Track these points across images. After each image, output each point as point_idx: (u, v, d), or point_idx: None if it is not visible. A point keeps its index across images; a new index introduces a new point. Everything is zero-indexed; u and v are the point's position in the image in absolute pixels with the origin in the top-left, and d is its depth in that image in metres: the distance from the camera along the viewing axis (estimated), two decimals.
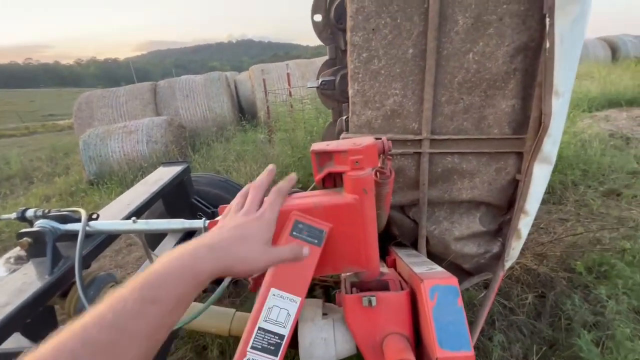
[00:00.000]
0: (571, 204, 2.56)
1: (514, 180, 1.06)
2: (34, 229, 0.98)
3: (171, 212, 1.64)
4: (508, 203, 1.12)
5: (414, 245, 1.23)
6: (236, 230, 0.49)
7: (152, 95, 7.21)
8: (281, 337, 0.67)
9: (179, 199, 1.63)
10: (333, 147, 0.77)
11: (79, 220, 1.03)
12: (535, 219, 1.03)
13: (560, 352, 1.38)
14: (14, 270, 0.98)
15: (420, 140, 1.05)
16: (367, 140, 0.74)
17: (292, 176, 0.62)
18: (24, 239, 0.97)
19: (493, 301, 1.18)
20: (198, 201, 1.69)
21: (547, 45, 0.84)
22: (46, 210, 1.05)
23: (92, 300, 0.97)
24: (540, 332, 1.49)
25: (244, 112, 7.92)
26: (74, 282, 0.95)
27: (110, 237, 1.14)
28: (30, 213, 1.05)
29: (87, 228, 1.01)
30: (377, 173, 0.81)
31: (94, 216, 1.09)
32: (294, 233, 0.73)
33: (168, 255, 0.41)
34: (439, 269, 0.87)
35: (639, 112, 5.16)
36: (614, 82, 6.78)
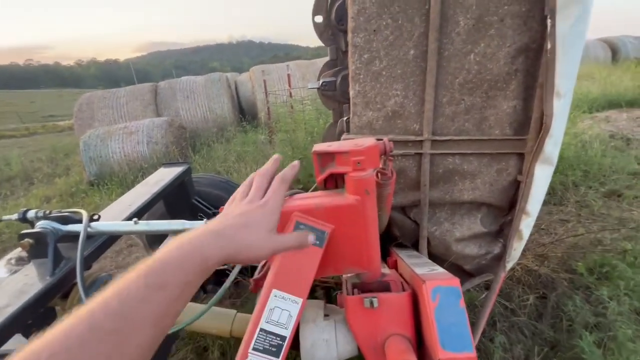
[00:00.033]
0: (572, 204, 2.56)
1: (515, 181, 1.06)
2: (35, 230, 0.98)
3: (172, 213, 1.64)
4: (509, 204, 1.12)
5: (415, 246, 1.23)
6: (241, 217, 0.49)
7: (152, 96, 7.22)
8: (283, 338, 0.67)
9: (179, 200, 1.63)
10: (335, 148, 0.77)
11: (80, 221, 1.03)
12: (536, 220, 1.03)
13: (561, 354, 1.37)
14: (15, 272, 0.98)
15: (421, 141, 1.05)
16: (368, 141, 0.74)
17: (295, 163, 0.62)
18: (25, 240, 0.97)
19: (494, 302, 1.18)
20: (199, 202, 1.69)
21: (549, 46, 0.84)
22: (47, 211, 1.05)
23: None
24: (542, 333, 1.48)
25: (245, 113, 7.93)
26: (75, 283, 0.95)
27: (111, 238, 1.14)
28: (31, 214, 1.05)
29: (89, 229, 1.01)
30: (379, 174, 0.81)
31: (95, 217, 1.09)
32: None
33: (173, 242, 0.40)
34: (440, 270, 0.87)
35: (639, 113, 5.16)
36: (614, 83, 6.79)
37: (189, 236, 0.42)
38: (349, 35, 1.03)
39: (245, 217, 0.49)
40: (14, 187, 5.63)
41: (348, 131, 1.18)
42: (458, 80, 0.99)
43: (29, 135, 14.79)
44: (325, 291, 1.37)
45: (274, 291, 0.69)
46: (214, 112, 7.12)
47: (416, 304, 0.80)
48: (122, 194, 1.47)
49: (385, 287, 0.85)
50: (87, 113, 6.98)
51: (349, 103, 1.15)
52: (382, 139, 0.78)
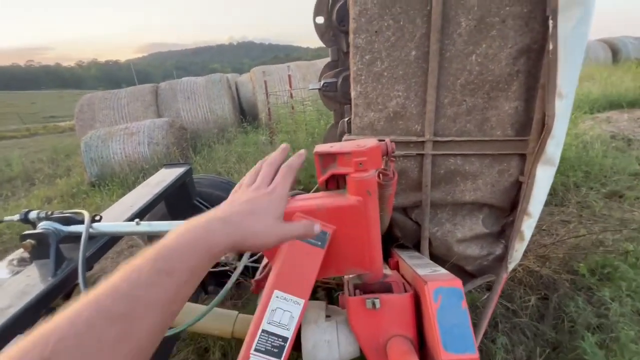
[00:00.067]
0: (573, 205, 2.56)
1: (517, 182, 1.06)
2: (37, 230, 0.98)
3: (173, 214, 1.64)
4: (511, 205, 1.12)
5: (417, 247, 1.23)
6: (248, 204, 0.48)
7: (153, 97, 7.23)
8: (285, 339, 0.67)
9: (181, 200, 1.63)
10: (336, 149, 0.77)
11: (82, 222, 1.03)
12: (537, 221, 1.03)
13: (564, 355, 1.37)
14: (17, 273, 0.98)
15: (423, 142, 1.05)
16: (370, 142, 0.74)
17: (302, 152, 0.62)
18: (28, 240, 0.97)
19: (496, 303, 1.17)
20: (200, 203, 1.69)
21: (551, 47, 0.84)
22: (49, 212, 1.05)
23: None
24: (544, 334, 1.48)
25: (245, 113, 7.94)
26: (77, 284, 0.95)
27: (113, 239, 1.14)
28: (33, 215, 1.05)
29: (90, 230, 1.01)
30: (380, 175, 0.81)
31: (97, 218, 1.09)
32: None
33: (180, 229, 0.40)
34: (442, 271, 0.87)
35: None
36: (615, 83, 6.78)
37: (196, 223, 0.42)
38: (351, 36, 1.03)
39: (252, 204, 0.49)
40: (15, 187, 5.64)
41: (349, 132, 1.18)
42: (460, 81, 0.99)
43: (29, 136, 14.82)
44: (326, 292, 1.37)
45: (276, 292, 0.69)
46: (215, 113, 7.12)
47: (418, 305, 0.79)
48: (123, 194, 1.47)
49: (387, 288, 0.85)
50: (88, 114, 6.99)
51: (350, 104, 1.15)
52: (384, 140, 0.78)
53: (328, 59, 1.31)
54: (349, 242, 0.73)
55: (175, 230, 0.40)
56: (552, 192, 2.67)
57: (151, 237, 1.64)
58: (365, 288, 0.85)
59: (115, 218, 1.19)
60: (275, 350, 0.65)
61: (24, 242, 0.97)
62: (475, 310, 1.56)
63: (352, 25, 1.01)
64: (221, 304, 1.03)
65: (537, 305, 1.62)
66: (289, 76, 7.07)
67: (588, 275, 1.71)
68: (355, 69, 1.05)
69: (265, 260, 1.26)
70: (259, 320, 0.67)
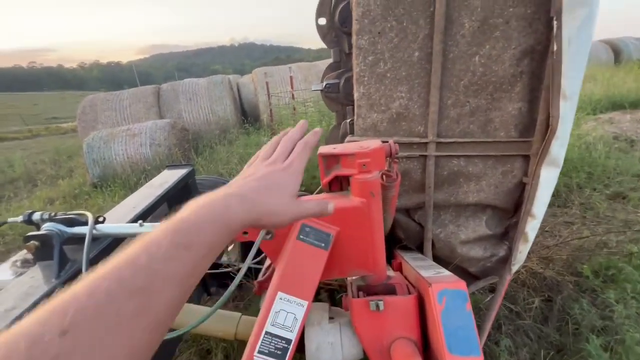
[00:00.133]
0: (576, 207, 2.55)
1: (521, 183, 1.05)
2: (41, 232, 0.98)
3: None
4: (514, 206, 1.12)
5: (420, 249, 1.22)
6: (263, 180, 0.47)
7: (155, 99, 7.25)
8: (288, 341, 0.66)
9: (183, 201, 1.63)
10: (340, 150, 0.77)
11: (85, 223, 1.03)
12: (541, 222, 1.02)
13: (568, 357, 1.36)
14: (21, 274, 0.98)
15: (426, 143, 1.05)
16: (374, 143, 0.74)
17: (318, 130, 0.60)
18: (31, 242, 0.97)
19: (500, 305, 1.17)
20: None
21: (555, 48, 0.83)
22: (53, 214, 1.05)
23: None
24: (548, 336, 1.47)
25: (247, 115, 7.95)
26: None
27: (116, 241, 1.14)
28: (36, 216, 1.05)
29: (94, 231, 1.01)
30: (384, 176, 0.81)
31: (101, 219, 1.09)
32: (301, 236, 0.73)
33: (197, 203, 0.40)
34: (446, 272, 0.86)
35: None
36: (617, 84, 6.76)
37: (214, 197, 0.41)
38: (354, 37, 1.03)
39: (267, 179, 0.48)
40: (17, 189, 5.66)
41: (352, 133, 1.18)
42: (463, 82, 0.98)
43: (32, 137, 14.89)
44: (329, 294, 1.37)
45: (280, 294, 0.68)
46: (217, 114, 7.14)
47: (422, 307, 0.79)
48: (125, 196, 1.48)
49: (390, 290, 0.84)
50: (90, 115, 7.01)
51: (352, 105, 1.15)
52: (387, 141, 0.78)
53: (330, 61, 1.31)
54: (352, 243, 0.73)
55: (192, 204, 0.40)
56: (555, 194, 2.66)
57: None
58: (368, 290, 0.85)
59: (118, 219, 1.19)
60: (279, 352, 0.65)
61: (27, 244, 0.97)
62: (479, 312, 1.55)
63: (355, 26, 1.01)
64: (223, 306, 1.03)
65: (541, 307, 1.61)
66: (291, 77, 7.09)
67: (592, 277, 1.71)
68: (358, 70, 1.05)
69: (268, 262, 1.26)
70: (263, 322, 0.67)
